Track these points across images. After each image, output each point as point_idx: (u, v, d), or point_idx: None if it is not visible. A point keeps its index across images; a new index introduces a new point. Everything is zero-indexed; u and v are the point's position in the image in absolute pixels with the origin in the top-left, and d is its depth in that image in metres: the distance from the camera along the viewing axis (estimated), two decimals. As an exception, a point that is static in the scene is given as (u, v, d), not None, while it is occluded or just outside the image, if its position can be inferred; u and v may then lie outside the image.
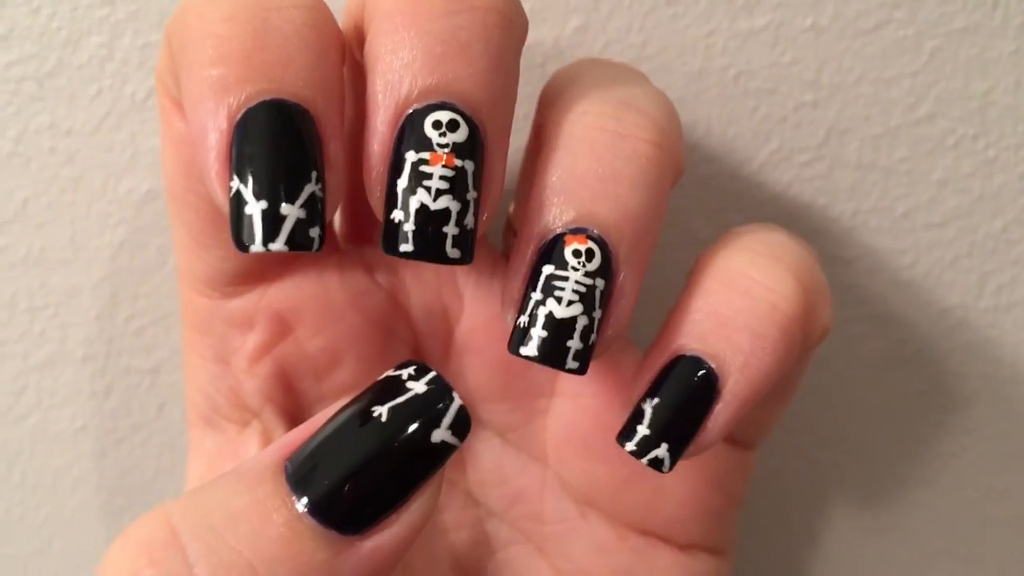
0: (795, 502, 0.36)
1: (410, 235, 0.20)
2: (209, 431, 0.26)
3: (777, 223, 0.31)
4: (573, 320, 0.21)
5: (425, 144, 0.20)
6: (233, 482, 0.20)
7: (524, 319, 0.21)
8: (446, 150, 0.20)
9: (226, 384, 0.25)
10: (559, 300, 0.21)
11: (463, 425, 0.20)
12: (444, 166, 0.20)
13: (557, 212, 0.21)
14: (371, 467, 0.19)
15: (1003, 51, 0.30)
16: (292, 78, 0.20)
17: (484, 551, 0.28)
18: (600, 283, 0.21)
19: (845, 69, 0.30)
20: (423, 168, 0.20)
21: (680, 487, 0.26)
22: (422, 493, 0.20)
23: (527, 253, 0.22)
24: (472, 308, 0.26)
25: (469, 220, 0.20)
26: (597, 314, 0.21)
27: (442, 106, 0.20)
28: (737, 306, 0.23)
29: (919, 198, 0.31)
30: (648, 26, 0.29)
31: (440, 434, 0.20)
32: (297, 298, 0.25)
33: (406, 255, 0.20)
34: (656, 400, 0.23)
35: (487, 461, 0.27)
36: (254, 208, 0.19)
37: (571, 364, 0.21)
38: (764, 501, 0.34)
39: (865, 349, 0.33)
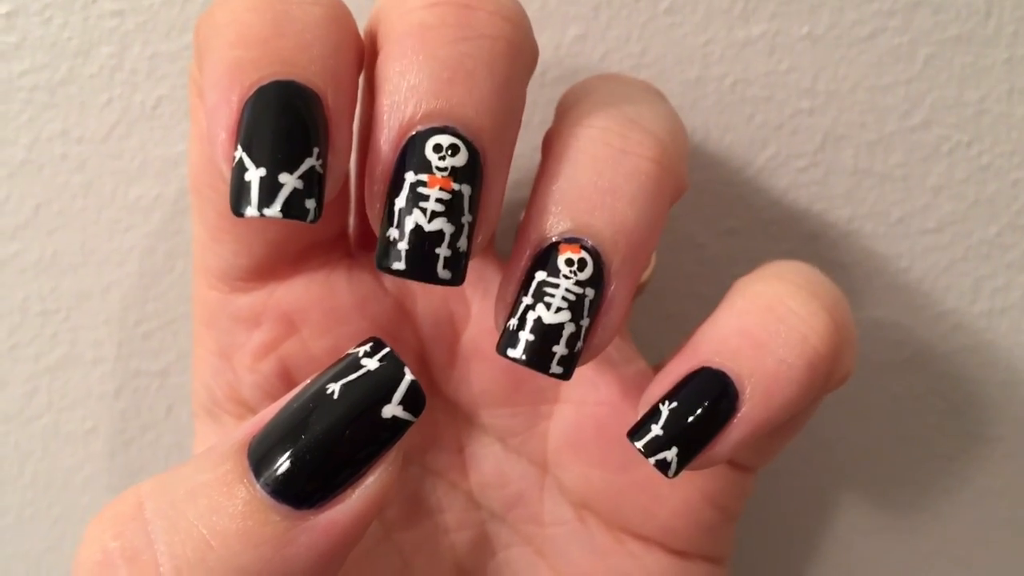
0: (792, 503, 0.36)
1: (403, 254, 0.20)
2: (210, 422, 0.27)
3: (774, 228, 0.32)
4: (560, 326, 0.21)
5: (424, 166, 0.20)
6: (200, 461, 0.20)
7: (513, 322, 0.22)
8: (444, 173, 0.20)
9: (225, 379, 0.26)
10: (548, 306, 0.22)
11: (415, 401, 0.20)
12: (441, 189, 0.20)
13: (554, 221, 0.22)
14: (322, 443, 0.20)
15: (996, 59, 0.30)
16: (306, 63, 0.20)
17: (485, 552, 0.28)
18: (590, 292, 0.22)
19: (840, 77, 0.30)
20: (420, 190, 0.20)
21: (675, 498, 0.26)
22: (377, 468, 0.20)
23: (522, 258, 0.22)
24: (479, 315, 0.26)
25: (462, 243, 0.21)
26: (585, 322, 0.22)
27: (444, 130, 0.21)
28: (771, 331, 0.23)
29: (914, 204, 0.32)
30: (647, 35, 0.30)
31: (391, 409, 0.20)
32: (304, 299, 0.25)
33: (398, 273, 0.20)
34: (675, 404, 0.23)
35: (488, 465, 0.28)
36: (253, 175, 0.20)
37: (555, 369, 0.22)
38: (761, 501, 0.35)
39: (861, 353, 0.33)
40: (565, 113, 0.24)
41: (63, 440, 0.34)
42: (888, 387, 0.34)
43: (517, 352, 0.22)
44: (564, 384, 0.27)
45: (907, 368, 0.34)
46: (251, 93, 0.20)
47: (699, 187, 0.31)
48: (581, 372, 0.26)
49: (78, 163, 0.31)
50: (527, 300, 0.22)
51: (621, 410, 0.26)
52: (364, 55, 0.22)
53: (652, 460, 0.23)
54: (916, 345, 0.33)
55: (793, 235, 0.32)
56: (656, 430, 0.23)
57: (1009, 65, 0.30)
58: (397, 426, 0.20)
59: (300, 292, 0.25)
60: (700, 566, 0.27)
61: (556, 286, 0.22)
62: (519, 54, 0.22)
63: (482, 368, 0.27)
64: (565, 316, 0.22)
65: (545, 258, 0.22)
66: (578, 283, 0.22)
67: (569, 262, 0.22)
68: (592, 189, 0.22)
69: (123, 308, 0.32)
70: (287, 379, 0.26)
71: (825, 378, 0.23)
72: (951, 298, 0.33)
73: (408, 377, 0.20)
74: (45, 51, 0.29)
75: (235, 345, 0.26)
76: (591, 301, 0.22)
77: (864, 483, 0.36)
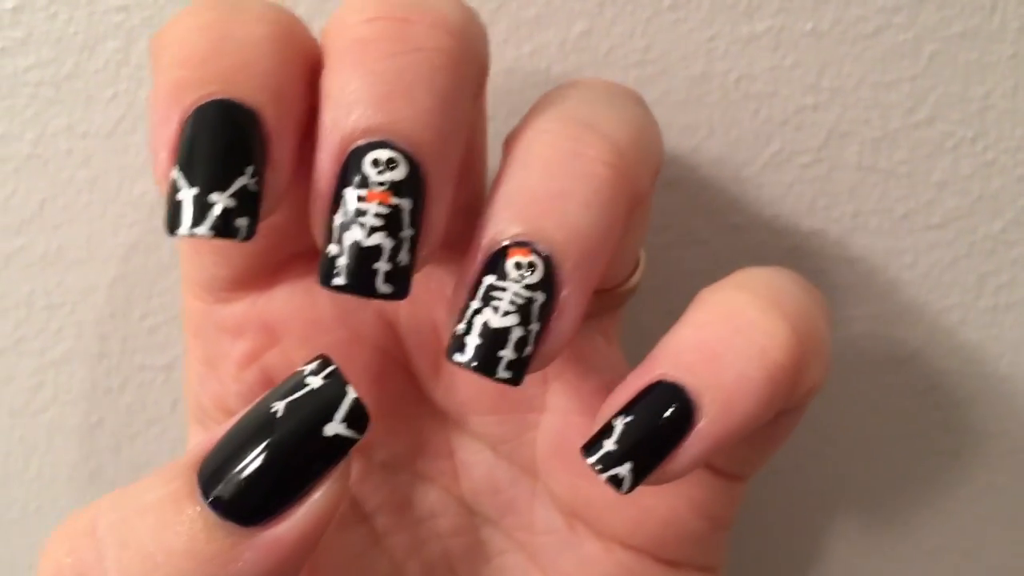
0: (794, 500, 0.36)
1: (343, 269, 0.20)
2: (201, 431, 0.27)
3: (778, 224, 0.32)
4: (508, 331, 0.21)
5: (363, 181, 0.20)
6: (153, 478, 0.21)
7: (461, 327, 0.22)
8: (383, 188, 0.20)
9: (212, 388, 0.26)
10: (496, 309, 0.21)
11: (359, 418, 0.20)
12: (380, 203, 0.20)
13: (505, 225, 0.21)
14: (266, 461, 0.20)
15: (1001, 55, 0.30)
16: (244, 82, 0.20)
17: (480, 558, 0.28)
18: (540, 297, 0.21)
19: (845, 73, 0.30)
20: (359, 205, 0.20)
21: (662, 508, 0.26)
22: (323, 485, 0.20)
23: (473, 263, 0.22)
24: None
25: (403, 257, 0.21)
26: (534, 327, 0.21)
27: (382, 144, 0.20)
28: (727, 343, 0.22)
29: (918, 200, 0.32)
30: (651, 31, 0.30)
31: (334, 427, 0.20)
32: (286, 310, 0.25)
33: (338, 288, 0.20)
34: (628, 419, 0.23)
35: (479, 471, 0.28)
36: (186, 194, 0.20)
37: (503, 374, 0.21)
38: (763, 499, 0.35)
39: (865, 348, 0.33)
40: (525, 117, 0.23)
41: (68, 434, 0.34)
42: (891, 383, 0.34)
43: (465, 357, 0.21)
44: (549, 393, 0.26)
45: (910, 364, 0.34)
46: (189, 113, 0.20)
47: (702, 183, 0.31)
48: (565, 381, 0.26)
49: (83, 158, 0.31)
50: (475, 304, 0.22)
51: None
52: (319, 68, 0.22)
53: (605, 476, 0.23)
54: (919, 341, 0.33)
55: (796, 231, 0.32)
56: (609, 445, 0.23)
57: (1014, 61, 0.30)
58: (341, 444, 0.20)
59: (281, 302, 0.25)
60: None
61: (504, 290, 0.21)
62: (462, 66, 0.21)
63: (467, 376, 0.26)
64: (513, 320, 0.21)
65: (495, 262, 0.21)
66: (527, 287, 0.21)
67: (518, 265, 0.21)
68: (543, 192, 0.22)
69: (128, 302, 0.32)
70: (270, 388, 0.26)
71: (788, 390, 0.23)
72: (955, 294, 0.33)
73: (351, 395, 0.20)
74: (51, 46, 0.29)
75: (220, 355, 0.26)
76: (541, 305, 0.21)
77: (867, 480, 0.36)
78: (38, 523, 0.35)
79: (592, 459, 0.23)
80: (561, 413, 0.26)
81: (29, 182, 0.31)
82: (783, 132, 0.31)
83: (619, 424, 0.23)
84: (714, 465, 0.26)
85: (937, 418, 0.35)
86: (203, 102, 0.20)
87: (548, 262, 0.21)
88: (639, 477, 0.23)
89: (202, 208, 0.20)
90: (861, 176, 0.31)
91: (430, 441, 0.28)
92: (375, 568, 0.27)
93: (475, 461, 0.28)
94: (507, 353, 0.21)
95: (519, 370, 0.22)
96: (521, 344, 0.21)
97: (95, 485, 0.34)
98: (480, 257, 0.22)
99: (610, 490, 0.26)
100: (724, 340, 0.23)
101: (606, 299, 0.26)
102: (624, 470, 0.23)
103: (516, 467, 0.27)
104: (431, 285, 0.26)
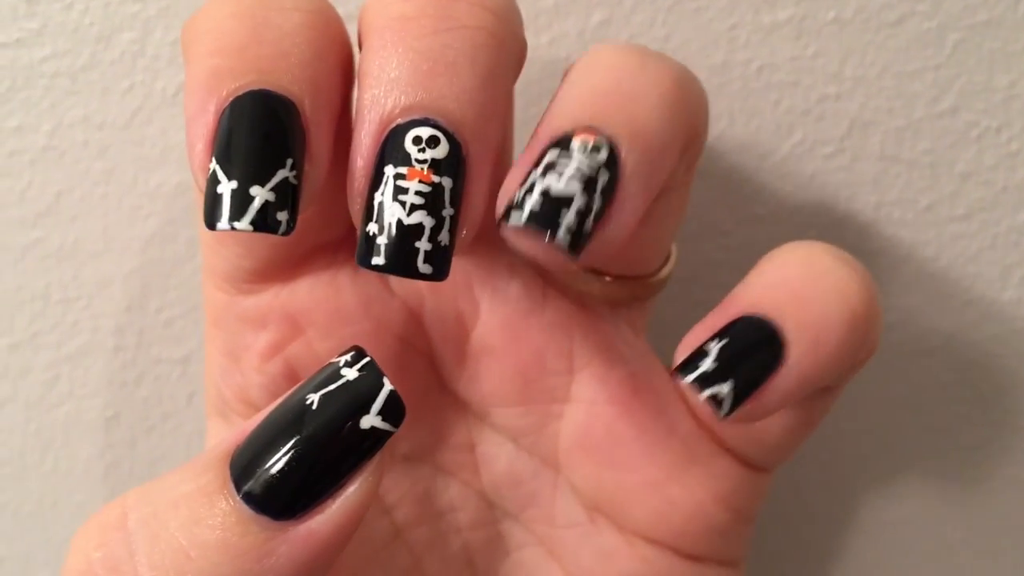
0: (817, 493, 0.36)
1: (382, 248, 0.20)
2: (222, 423, 0.27)
3: (800, 215, 0.31)
4: (570, 197, 0.20)
5: (404, 159, 0.20)
6: (184, 471, 0.20)
7: (520, 194, 0.21)
8: (424, 166, 0.20)
9: (234, 380, 0.26)
10: (559, 176, 0.20)
11: (395, 411, 0.20)
12: (420, 181, 0.20)
13: (572, 116, 0.21)
14: (301, 454, 0.20)
15: (1027, 43, 0.30)
16: (282, 72, 0.20)
17: (499, 552, 0.28)
18: (604, 176, 0.20)
19: (868, 62, 0.30)
20: (400, 183, 0.20)
21: (687, 500, 0.26)
22: (358, 478, 0.20)
23: (533, 151, 0.21)
24: (489, 313, 0.26)
25: (444, 236, 0.20)
26: (597, 203, 0.20)
27: (424, 122, 0.20)
28: (811, 285, 0.23)
29: (942, 191, 0.31)
30: (671, 20, 0.30)
31: (370, 420, 0.20)
32: (309, 301, 0.25)
33: (377, 268, 0.20)
34: (724, 341, 0.23)
35: (500, 464, 0.27)
36: (225, 187, 0.20)
37: (563, 237, 0.20)
38: (785, 490, 0.35)
39: (889, 341, 0.33)
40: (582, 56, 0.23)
41: (85, 428, 0.34)
42: (914, 376, 0.34)
43: (522, 216, 0.20)
44: (574, 383, 0.26)
45: (934, 357, 0.33)
46: (227, 103, 0.20)
47: (724, 173, 0.31)
48: (591, 371, 0.26)
49: (99, 149, 0.30)
50: (536, 173, 0.21)
51: (631, 409, 0.26)
52: (352, 59, 0.22)
53: (705, 395, 0.22)
54: (943, 334, 0.33)
55: (819, 222, 0.32)
56: (707, 364, 0.23)
57: (1040, 50, 0.30)
58: (377, 436, 0.20)
59: (305, 293, 0.25)
60: (714, 570, 0.27)
61: (568, 161, 0.20)
62: (503, 46, 0.21)
63: (492, 367, 0.26)
64: (576, 187, 0.20)
65: (559, 143, 0.21)
66: (592, 162, 0.20)
67: (583, 146, 0.20)
68: (614, 90, 0.21)
69: (144, 295, 0.32)
70: (294, 380, 0.26)
71: (860, 342, 0.23)
72: (979, 286, 0.33)
73: (387, 387, 0.20)
74: (66, 37, 0.29)
75: (242, 346, 0.26)
76: (604, 186, 0.20)
77: (890, 473, 0.35)
78: (54, 517, 0.35)
79: (689, 378, 0.23)
80: (586, 403, 0.26)
81: (45, 174, 0.31)
82: (805, 122, 0.31)
83: (714, 347, 0.23)
84: (741, 455, 0.26)
85: (960, 412, 0.34)
86: (241, 92, 0.20)
87: (613, 150, 0.21)
88: (738, 400, 0.22)
89: (242, 202, 0.20)
90: (884, 166, 0.31)
91: (451, 434, 0.27)
92: (395, 561, 0.27)
93: (496, 454, 0.27)
94: (569, 218, 0.20)
95: (578, 241, 0.20)
96: (583, 214, 0.20)
97: (111, 479, 0.34)
98: (544, 141, 0.21)
99: (633, 481, 0.26)
100: (807, 282, 0.23)
101: (636, 289, 0.25)
102: (725, 389, 0.22)
103: (538, 459, 0.27)
104: (456, 275, 0.25)
